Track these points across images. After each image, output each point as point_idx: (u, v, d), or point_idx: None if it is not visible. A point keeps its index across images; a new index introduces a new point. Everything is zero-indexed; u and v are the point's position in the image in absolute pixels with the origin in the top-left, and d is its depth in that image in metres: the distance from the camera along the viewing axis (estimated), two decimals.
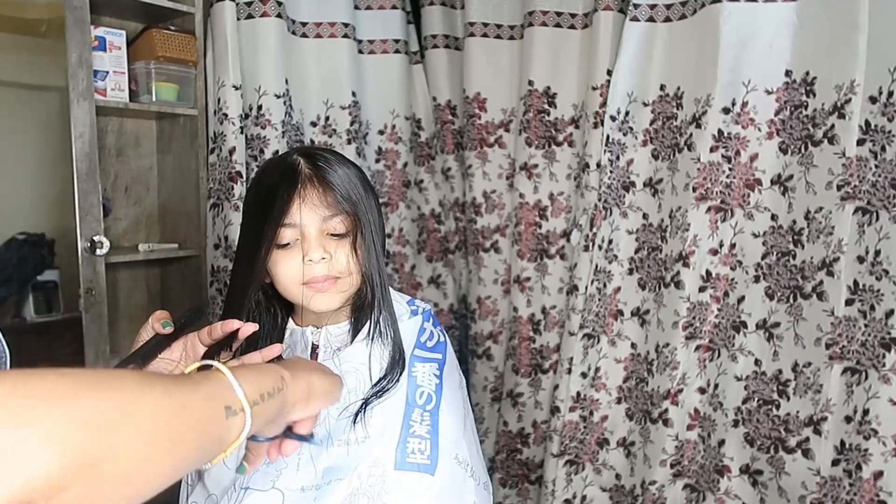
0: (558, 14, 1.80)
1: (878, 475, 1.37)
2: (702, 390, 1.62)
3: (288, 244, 0.82)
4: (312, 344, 0.89)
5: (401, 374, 0.83)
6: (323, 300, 0.83)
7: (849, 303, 1.40)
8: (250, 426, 0.51)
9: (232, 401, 0.50)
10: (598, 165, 1.71)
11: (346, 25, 1.85)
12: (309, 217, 0.81)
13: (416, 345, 0.87)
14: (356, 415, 0.80)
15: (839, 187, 1.40)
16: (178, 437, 0.44)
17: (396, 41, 1.98)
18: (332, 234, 0.83)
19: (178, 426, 0.44)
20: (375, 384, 0.82)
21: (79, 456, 0.38)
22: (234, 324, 0.73)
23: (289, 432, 0.63)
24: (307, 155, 0.85)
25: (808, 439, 1.46)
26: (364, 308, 0.87)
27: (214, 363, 0.52)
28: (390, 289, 0.90)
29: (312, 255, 0.81)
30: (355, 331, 0.87)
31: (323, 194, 0.82)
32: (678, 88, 1.61)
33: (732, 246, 1.57)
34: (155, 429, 0.42)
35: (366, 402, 0.81)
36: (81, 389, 0.40)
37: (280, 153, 1.71)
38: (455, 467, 0.81)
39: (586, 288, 1.75)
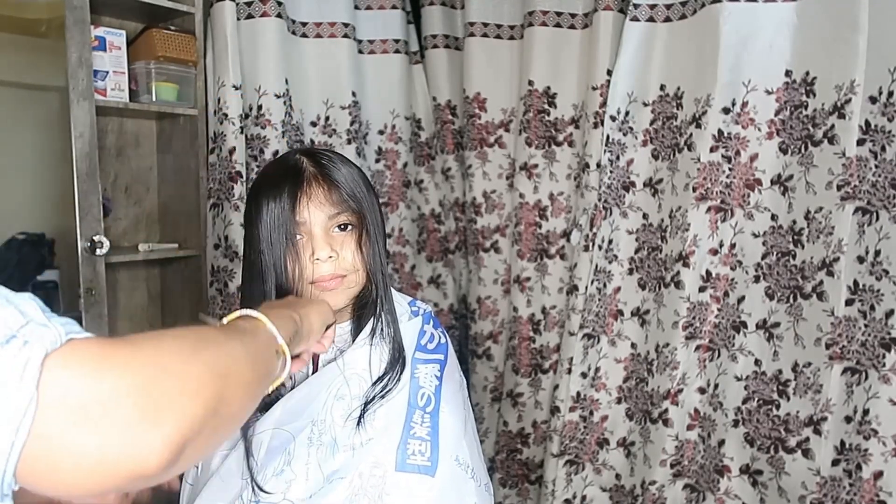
0: (558, 14, 1.80)
1: (878, 475, 1.36)
2: (702, 390, 1.62)
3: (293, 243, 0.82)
4: None
5: (401, 373, 0.83)
6: (329, 299, 0.83)
7: (849, 303, 1.40)
8: (290, 364, 0.61)
9: (276, 346, 0.60)
10: (598, 165, 1.71)
11: (346, 25, 1.85)
12: (315, 215, 0.81)
13: (416, 347, 0.87)
14: (360, 417, 0.80)
15: (839, 187, 1.40)
16: (258, 380, 0.53)
17: (396, 41, 1.98)
18: (338, 233, 0.83)
19: (256, 372, 0.52)
20: (376, 382, 0.82)
21: (212, 402, 0.44)
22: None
23: None
24: (310, 154, 0.85)
25: (808, 439, 1.46)
26: (367, 307, 0.87)
27: (255, 314, 0.60)
28: (391, 289, 0.90)
29: (320, 253, 0.81)
30: (357, 330, 0.87)
31: (328, 192, 0.82)
32: (678, 88, 1.61)
33: (732, 246, 1.57)
34: (247, 375, 0.50)
35: (368, 403, 0.81)
36: (204, 346, 0.47)
37: (279, 154, 1.71)
38: (456, 469, 0.81)
39: (586, 288, 1.75)
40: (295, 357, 0.69)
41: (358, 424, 0.80)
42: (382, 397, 0.81)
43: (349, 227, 0.84)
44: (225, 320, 0.61)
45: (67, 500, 0.40)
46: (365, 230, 0.84)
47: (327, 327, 0.78)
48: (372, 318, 0.86)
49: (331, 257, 0.82)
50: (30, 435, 0.36)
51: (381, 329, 0.85)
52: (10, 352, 0.36)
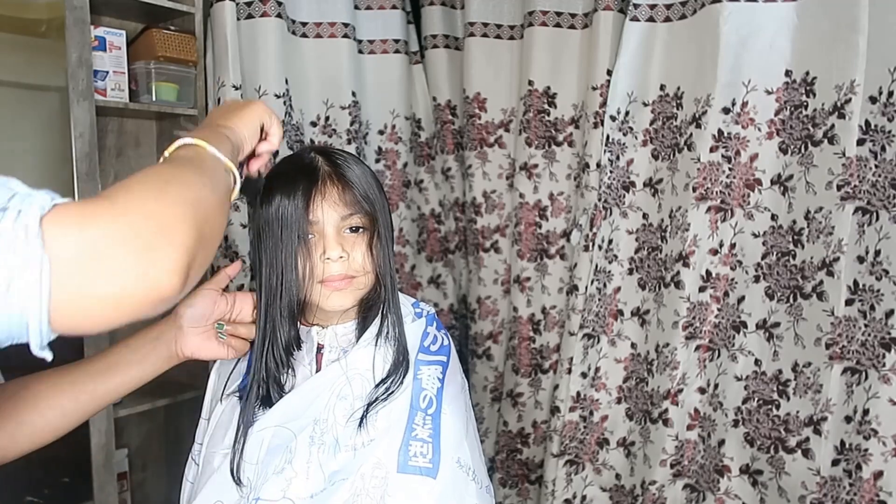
0: (558, 14, 1.80)
1: (878, 475, 1.36)
2: (702, 390, 1.62)
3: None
4: (318, 344, 0.88)
5: (404, 376, 0.83)
6: (338, 299, 0.83)
7: (849, 303, 1.40)
8: (238, 178, 0.67)
9: (222, 165, 0.64)
10: (598, 165, 1.71)
11: (346, 25, 1.85)
12: (329, 215, 0.81)
13: (419, 349, 0.87)
14: (361, 419, 0.80)
15: (839, 187, 1.40)
16: (220, 200, 0.58)
17: (396, 41, 1.99)
18: (349, 234, 0.83)
19: (217, 192, 0.58)
20: (379, 384, 0.82)
21: (200, 227, 0.49)
22: (236, 267, 0.89)
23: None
24: (324, 153, 0.85)
25: (808, 439, 1.46)
26: (372, 308, 0.87)
27: (193, 140, 0.64)
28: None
29: (331, 253, 0.81)
30: (361, 330, 0.87)
31: (342, 192, 0.82)
32: (678, 88, 1.61)
33: (732, 246, 1.57)
34: (211, 197, 0.55)
35: (370, 405, 0.81)
36: (169, 181, 0.52)
37: (278, 155, 1.71)
38: (457, 471, 0.81)
39: (586, 288, 1.75)
40: (251, 159, 0.78)
41: (360, 426, 0.80)
42: (385, 399, 0.81)
43: (361, 229, 0.84)
44: (167, 153, 0.64)
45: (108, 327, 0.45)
46: (376, 232, 0.84)
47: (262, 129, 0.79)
48: (378, 320, 0.86)
49: (341, 258, 0.81)
50: (52, 287, 0.40)
51: (387, 331, 0.85)
52: (7, 223, 0.40)
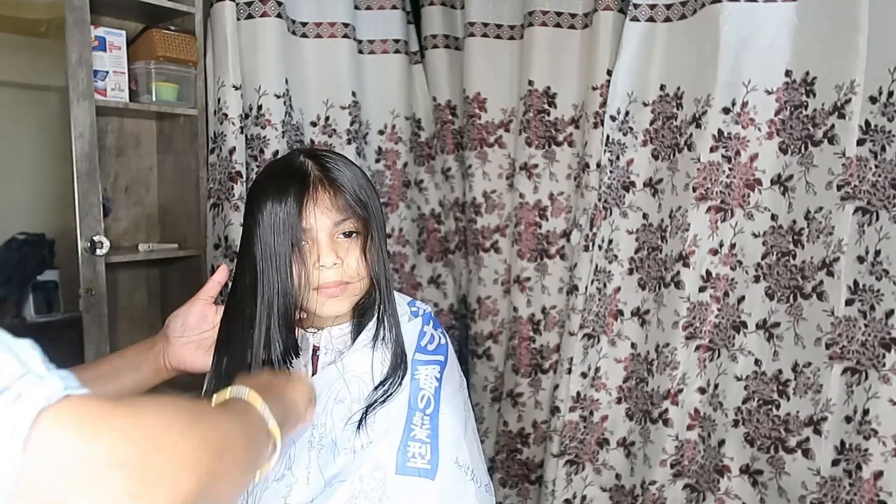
0: (558, 14, 1.80)
1: (878, 475, 1.36)
2: (702, 390, 1.62)
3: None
4: (313, 346, 0.88)
5: (402, 378, 0.83)
6: (333, 305, 0.82)
7: (849, 303, 1.40)
8: (279, 451, 0.59)
9: (267, 430, 0.58)
10: (598, 165, 1.71)
11: (346, 25, 1.85)
12: (321, 221, 0.80)
13: (416, 349, 0.86)
14: (359, 422, 0.80)
15: (839, 187, 1.40)
16: (248, 463, 0.52)
17: (396, 41, 1.98)
18: (342, 239, 0.82)
19: (248, 453, 0.51)
20: (377, 387, 0.82)
21: (205, 479, 0.42)
22: (223, 272, 0.88)
23: None
24: (314, 156, 0.83)
25: (808, 439, 1.46)
26: (367, 311, 0.86)
27: (248, 395, 0.59)
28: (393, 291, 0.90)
29: (325, 260, 0.80)
30: (357, 332, 0.87)
31: (334, 198, 0.80)
32: (678, 88, 1.61)
33: (732, 246, 1.57)
34: (240, 456, 0.49)
35: (368, 409, 0.81)
36: (201, 419, 0.46)
37: (279, 154, 1.71)
38: (455, 471, 0.80)
39: (586, 288, 1.75)
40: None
41: (358, 428, 0.80)
42: (383, 402, 0.81)
43: (354, 234, 0.83)
44: (216, 398, 0.59)
45: None
46: (370, 236, 0.83)
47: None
48: (374, 322, 0.85)
49: (336, 264, 0.80)
50: (10, 499, 0.34)
51: (384, 334, 0.85)
52: (1, 405, 0.34)
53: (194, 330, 0.83)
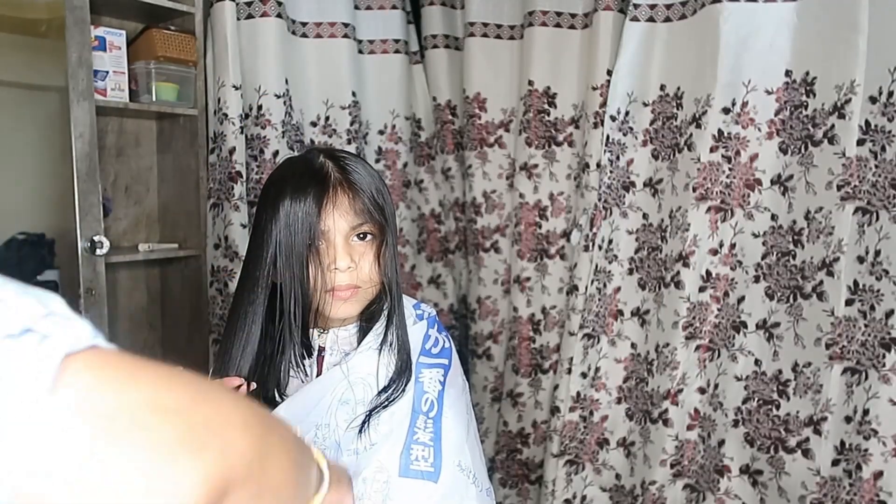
0: (558, 14, 1.80)
1: (878, 475, 1.36)
2: (702, 390, 1.62)
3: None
4: (319, 346, 0.88)
5: (406, 384, 0.83)
6: (344, 308, 0.82)
7: (849, 303, 1.40)
8: (327, 486, 0.50)
9: (311, 455, 0.49)
10: (598, 165, 1.71)
11: (346, 25, 1.85)
12: (339, 223, 0.79)
13: (421, 352, 0.87)
14: (362, 425, 0.80)
15: (839, 187, 1.40)
16: (300, 465, 0.44)
17: (396, 41, 1.98)
18: (357, 242, 0.82)
19: (299, 455, 0.44)
20: (381, 392, 0.82)
21: (262, 443, 0.37)
22: (235, 381, 0.79)
23: None
24: (333, 157, 0.82)
25: (808, 439, 1.46)
26: (376, 314, 0.86)
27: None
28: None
29: (340, 263, 0.80)
30: (363, 334, 0.86)
31: (352, 200, 0.80)
32: (678, 88, 1.61)
33: (732, 246, 1.57)
34: (290, 442, 0.42)
35: (371, 412, 0.81)
36: (273, 422, 0.41)
37: (279, 154, 1.71)
38: (458, 474, 0.81)
39: (586, 288, 1.75)
40: None
41: (360, 432, 0.80)
42: (386, 407, 0.81)
43: (369, 237, 0.83)
44: None
45: None
46: (384, 241, 0.83)
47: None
48: (382, 326, 0.85)
49: (350, 267, 0.80)
50: (33, 454, 0.29)
51: (391, 340, 0.84)
52: (23, 347, 0.29)
53: None
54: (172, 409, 0.32)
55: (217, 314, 1.72)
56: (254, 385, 0.80)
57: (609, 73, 1.68)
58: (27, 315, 0.30)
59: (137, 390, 0.32)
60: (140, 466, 0.30)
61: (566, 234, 1.87)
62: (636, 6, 1.61)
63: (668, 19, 1.61)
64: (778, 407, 1.51)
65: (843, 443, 1.42)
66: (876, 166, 1.36)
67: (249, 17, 1.66)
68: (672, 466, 1.66)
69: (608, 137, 1.69)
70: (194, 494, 0.31)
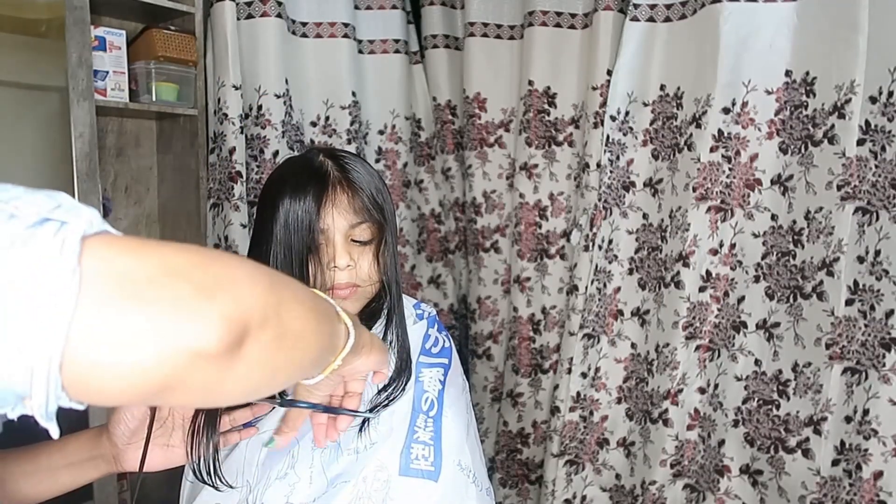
0: (558, 14, 1.80)
1: (878, 475, 1.36)
2: (702, 390, 1.62)
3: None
4: None
5: (406, 383, 0.83)
6: (343, 306, 0.83)
7: (849, 303, 1.40)
8: (353, 339, 0.54)
9: (336, 314, 0.54)
10: (598, 165, 1.71)
11: (346, 25, 1.85)
12: (338, 222, 0.80)
13: (421, 352, 0.87)
14: (362, 424, 0.80)
15: (839, 187, 1.40)
16: (320, 315, 0.47)
17: (396, 41, 1.98)
18: (357, 241, 0.82)
19: (317, 305, 0.47)
20: (381, 391, 0.82)
21: (273, 293, 0.40)
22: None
23: (339, 408, 0.69)
24: (333, 157, 0.83)
25: (808, 439, 1.46)
26: (376, 313, 0.86)
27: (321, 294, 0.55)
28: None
29: (339, 261, 0.80)
30: None
31: (352, 199, 0.80)
32: (678, 88, 1.61)
33: (732, 246, 1.57)
34: (307, 300, 0.46)
35: (372, 410, 0.81)
36: (289, 282, 0.44)
37: (279, 154, 1.71)
38: (458, 474, 0.81)
39: (586, 288, 1.75)
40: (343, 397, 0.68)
41: (361, 430, 0.80)
42: (386, 406, 0.81)
43: (368, 236, 0.83)
44: None
45: (116, 402, 0.35)
46: (384, 240, 0.83)
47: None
48: (381, 325, 0.85)
49: (349, 266, 0.80)
50: (74, 318, 0.32)
51: (391, 339, 0.85)
52: (44, 234, 0.32)
53: (145, 430, 0.73)
54: (184, 269, 0.36)
55: None
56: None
57: (609, 72, 1.68)
58: (43, 208, 0.33)
59: (150, 257, 0.36)
60: (165, 313, 0.34)
61: (566, 234, 1.87)
62: (636, 6, 1.61)
63: (668, 19, 1.61)
64: (778, 407, 1.51)
65: (843, 443, 1.42)
66: (876, 166, 1.36)
67: (249, 17, 1.66)
68: (672, 466, 1.66)
69: (608, 137, 1.69)
70: (216, 329, 0.35)
